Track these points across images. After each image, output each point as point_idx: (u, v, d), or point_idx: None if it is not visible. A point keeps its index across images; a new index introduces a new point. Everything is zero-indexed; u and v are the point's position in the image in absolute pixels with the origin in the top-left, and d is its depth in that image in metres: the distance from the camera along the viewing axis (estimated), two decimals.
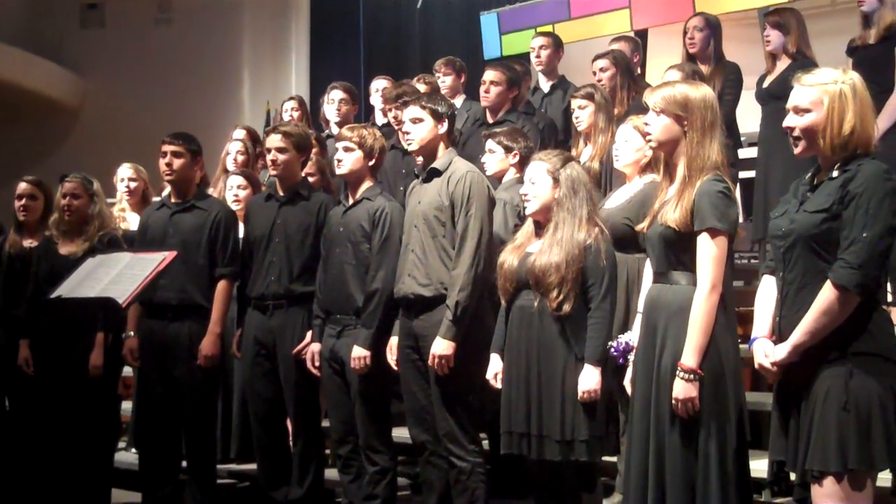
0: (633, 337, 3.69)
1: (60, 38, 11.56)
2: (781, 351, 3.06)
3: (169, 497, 4.99)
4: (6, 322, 5.39)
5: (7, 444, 5.39)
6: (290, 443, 5.02)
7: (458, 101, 6.59)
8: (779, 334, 3.12)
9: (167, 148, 5.04)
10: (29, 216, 5.51)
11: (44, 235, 5.35)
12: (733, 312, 3.44)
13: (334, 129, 6.54)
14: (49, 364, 5.10)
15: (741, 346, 3.44)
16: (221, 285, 4.99)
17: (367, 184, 4.76)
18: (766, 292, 3.25)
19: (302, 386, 4.87)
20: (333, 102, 6.75)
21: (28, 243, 5.46)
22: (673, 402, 3.26)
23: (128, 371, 5.63)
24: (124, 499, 5.35)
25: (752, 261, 6.66)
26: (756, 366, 3.20)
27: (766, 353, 3.13)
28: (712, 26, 6.10)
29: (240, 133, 6.68)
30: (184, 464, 5.10)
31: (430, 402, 4.39)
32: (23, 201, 5.50)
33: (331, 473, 5.04)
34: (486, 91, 5.89)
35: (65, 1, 11.76)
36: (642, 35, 8.08)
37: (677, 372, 3.25)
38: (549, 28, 8.02)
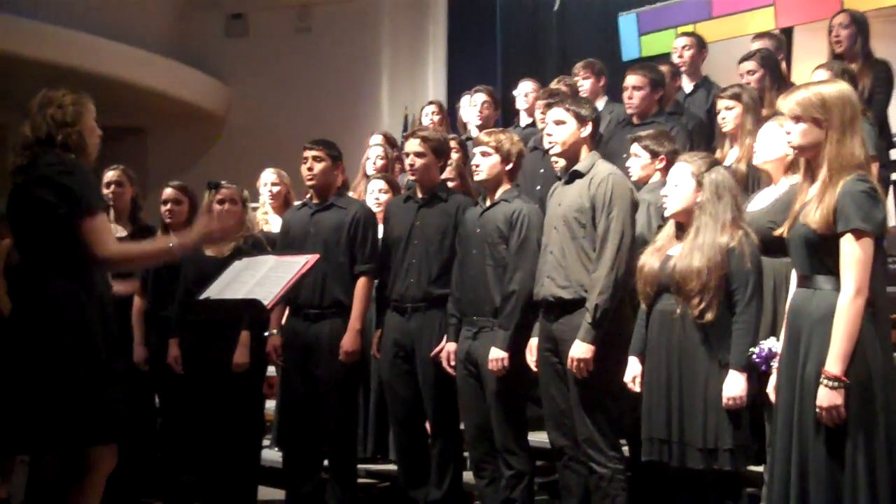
0: (776, 343, 3.58)
1: (206, 48, 11.93)
2: None
3: (311, 495, 5.09)
4: (156, 323, 5.58)
5: (159, 441, 5.58)
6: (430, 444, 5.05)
7: (600, 103, 6.51)
8: None
9: (308, 153, 5.15)
10: (174, 220, 5.66)
11: None
12: (886, 318, 3.31)
13: (474, 133, 6.57)
14: (197, 363, 5.25)
15: None
16: (361, 282, 5.06)
17: (504, 187, 4.75)
18: None
19: (440, 388, 4.90)
20: (476, 106, 6.79)
21: None
22: (817, 410, 3.16)
23: (271, 371, 5.76)
24: (269, 496, 5.48)
25: None
26: None
27: None
28: (858, 23, 5.88)
29: (377, 138, 6.81)
30: (325, 462, 5.18)
31: (569, 406, 4.36)
32: (168, 206, 5.66)
33: (469, 476, 5.04)
34: (630, 97, 5.77)
35: (210, 12, 12.12)
36: (787, 33, 7.85)
37: (821, 379, 3.15)
38: (689, 28, 7.87)
